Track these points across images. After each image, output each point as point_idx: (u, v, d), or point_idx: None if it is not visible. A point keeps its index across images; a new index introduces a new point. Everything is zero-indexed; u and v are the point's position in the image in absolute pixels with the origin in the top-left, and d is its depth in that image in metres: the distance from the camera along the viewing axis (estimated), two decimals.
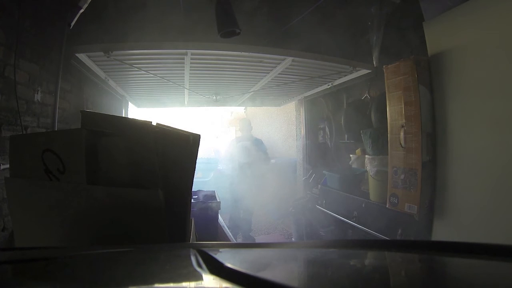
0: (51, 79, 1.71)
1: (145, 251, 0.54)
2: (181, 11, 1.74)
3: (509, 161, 1.29)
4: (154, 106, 4.16)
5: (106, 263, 0.47)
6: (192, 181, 0.74)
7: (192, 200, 1.20)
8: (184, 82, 2.76)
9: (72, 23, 1.55)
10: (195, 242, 0.87)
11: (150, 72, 2.37)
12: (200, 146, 0.74)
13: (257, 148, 3.43)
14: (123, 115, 3.37)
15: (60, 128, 1.76)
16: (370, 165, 2.06)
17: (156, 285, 0.37)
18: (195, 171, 0.74)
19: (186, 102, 3.81)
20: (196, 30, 1.77)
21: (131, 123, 0.75)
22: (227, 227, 3.00)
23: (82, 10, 1.50)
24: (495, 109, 1.35)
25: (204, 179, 5.34)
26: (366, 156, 2.16)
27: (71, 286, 0.38)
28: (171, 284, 0.37)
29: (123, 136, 0.67)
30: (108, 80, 2.55)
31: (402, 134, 1.71)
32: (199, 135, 0.74)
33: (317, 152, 3.70)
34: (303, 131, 3.88)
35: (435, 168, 1.65)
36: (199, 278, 0.36)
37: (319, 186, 2.96)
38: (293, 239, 3.55)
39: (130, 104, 3.68)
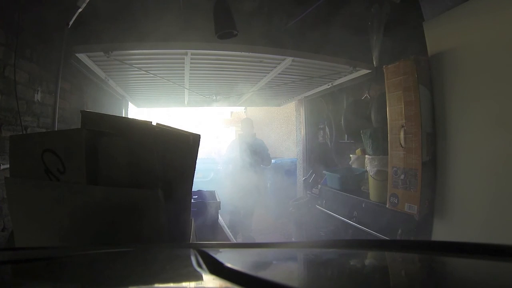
0: (51, 79, 1.71)
1: (145, 251, 0.54)
2: (181, 11, 1.74)
3: (509, 161, 1.29)
4: (154, 106, 4.17)
5: (106, 263, 0.47)
6: (192, 181, 0.74)
7: (192, 200, 1.20)
8: (184, 82, 2.76)
9: (71, 23, 1.55)
10: (195, 242, 0.87)
11: (150, 72, 2.37)
12: (200, 146, 0.74)
13: (258, 148, 3.43)
14: (123, 115, 3.37)
15: (60, 128, 1.76)
16: (370, 165, 2.06)
17: (156, 285, 0.37)
18: (195, 171, 0.74)
19: (186, 102, 3.81)
20: (196, 30, 1.77)
21: (131, 123, 0.75)
22: (227, 227, 2.99)
23: (80, 10, 1.49)
24: (495, 109, 1.35)
25: (204, 179, 5.34)
26: (366, 156, 2.16)
27: (71, 286, 0.38)
28: (171, 284, 0.37)
29: (123, 136, 0.67)
30: (108, 80, 2.55)
31: (402, 134, 1.71)
32: (199, 135, 0.74)
33: (317, 152, 3.70)
34: (303, 131, 3.88)
35: (435, 168, 1.65)
36: (199, 278, 0.36)
37: (319, 186, 2.96)
38: (293, 239, 3.55)
39: (130, 104, 3.68)
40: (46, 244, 0.62)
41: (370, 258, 0.53)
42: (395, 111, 1.77)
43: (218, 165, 5.42)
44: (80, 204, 0.62)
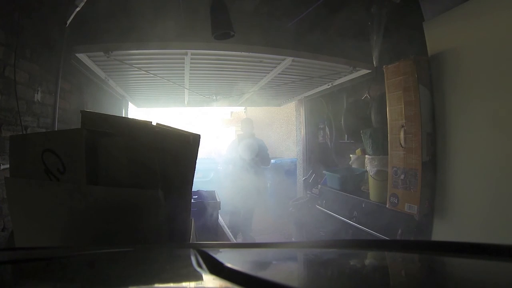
0: (51, 79, 1.71)
1: (145, 251, 0.54)
2: (181, 11, 1.74)
3: (509, 161, 1.29)
4: (154, 106, 4.16)
5: (106, 263, 0.47)
6: (192, 181, 0.74)
7: (192, 200, 1.20)
8: (184, 82, 2.76)
9: (68, 21, 1.55)
10: (195, 242, 0.87)
11: (150, 72, 2.37)
12: (200, 146, 0.74)
13: (258, 148, 3.42)
14: (123, 115, 3.37)
15: (60, 128, 1.76)
16: (370, 165, 2.06)
17: (156, 285, 0.37)
18: (195, 171, 0.74)
19: (186, 102, 3.81)
20: (196, 30, 1.77)
21: (131, 123, 0.75)
22: (227, 227, 2.99)
23: (78, 9, 1.49)
24: (495, 109, 1.35)
25: (204, 179, 5.34)
26: (366, 156, 2.16)
27: (71, 286, 0.38)
28: (171, 284, 0.37)
29: (123, 136, 0.67)
30: (108, 80, 2.55)
31: (402, 134, 1.71)
32: (199, 135, 0.74)
33: (317, 152, 3.70)
34: (303, 131, 3.88)
35: (435, 168, 1.65)
36: (199, 278, 0.36)
37: (319, 186, 2.96)
38: (293, 239, 3.55)
39: (130, 104, 3.68)
40: (46, 244, 0.62)
41: (370, 258, 0.53)
42: (395, 111, 1.77)
43: (218, 165, 5.43)
44: (80, 204, 0.62)
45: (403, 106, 1.70)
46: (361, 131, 2.24)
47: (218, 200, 2.55)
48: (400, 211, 1.72)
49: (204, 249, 0.47)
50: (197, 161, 0.74)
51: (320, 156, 3.61)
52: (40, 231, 0.65)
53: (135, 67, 2.21)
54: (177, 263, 0.46)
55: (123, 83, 2.82)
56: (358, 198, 2.21)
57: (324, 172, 2.84)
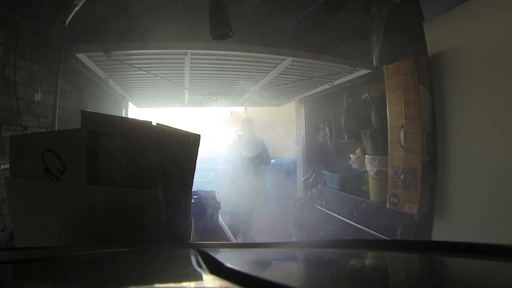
0: (51, 79, 1.71)
1: (145, 251, 0.54)
2: (181, 11, 1.74)
3: (509, 161, 1.29)
4: (154, 106, 4.17)
5: (106, 263, 0.47)
6: (192, 181, 0.74)
7: (192, 200, 1.20)
8: (184, 82, 2.76)
9: (67, 21, 1.55)
10: (195, 242, 0.87)
11: (150, 72, 2.37)
12: (200, 146, 0.74)
13: (259, 147, 3.42)
14: (123, 115, 3.38)
15: (60, 128, 1.76)
16: (370, 165, 2.06)
17: (156, 285, 0.37)
18: (195, 171, 0.74)
19: (186, 102, 3.81)
20: (196, 30, 1.77)
21: (131, 123, 0.75)
22: (227, 227, 2.99)
23: (77, 8, 1.49)
24: (495, 109, 1.35)
25: (204, 179, 5.34)
26: (366, 156, 2.16)
27: (71, 286, 0.38)
28: (171, 284, 0.37)
29: (123, 136, 0.67)
30: (108, 80, 2.56)
31: (402, 134, 1.71)
32: (199, 135, 0.74)
33: (317, 152, 3.71)
34: (303, 131, 3.89)
35: (435, 168, 1.65)
36: (199, 278, 0.36)
37: (319, 186, 2.96)
38: (293, 239, 3.55)
39: (130, 104, 3.68)
40: (46, 244, 0.62)
41: (370, 258, 0.53)
42: (395, 111, 1.77)
43: (218, 165, 5.43)
44: (80, 204, 0.62)
45: (403, 106, 1.70)
46: (361, 131, 2.24)
47: (218, 200, 2.55)
48: (400, 211, 1.72)
49: (204, 249, 0.47)
50: (197, 161, 0.74)
51: (320, 156, 3.62)
52: (40, 231, 0.65)
53: (135, 67, 2.21)
54: (177, 263, 0.46)
55: (123, 83, 2.82)
56: (358, 198, 2.21)
57: (324, 172, 2.84)
